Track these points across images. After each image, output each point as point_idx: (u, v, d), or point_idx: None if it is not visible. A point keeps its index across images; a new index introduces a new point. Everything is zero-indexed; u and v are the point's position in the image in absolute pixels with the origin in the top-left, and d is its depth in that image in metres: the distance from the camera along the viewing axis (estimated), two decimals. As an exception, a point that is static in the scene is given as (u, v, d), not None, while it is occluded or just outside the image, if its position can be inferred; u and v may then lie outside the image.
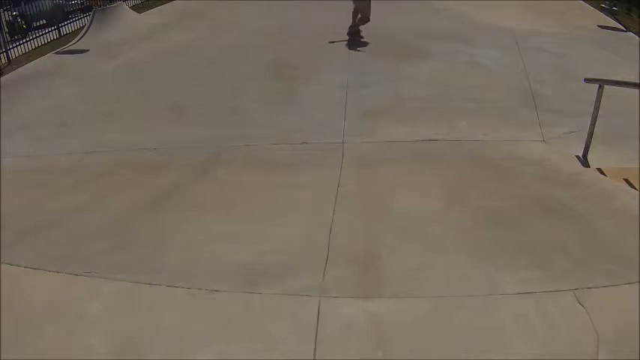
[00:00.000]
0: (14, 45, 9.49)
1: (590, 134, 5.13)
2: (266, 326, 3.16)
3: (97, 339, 3.09)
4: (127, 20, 10.27)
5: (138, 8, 11.77)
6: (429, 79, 7.05)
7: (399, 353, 2.95)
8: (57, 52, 9.29)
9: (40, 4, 12.35)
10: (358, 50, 8.05)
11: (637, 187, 4.49)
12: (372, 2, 8.51)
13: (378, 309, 3.25)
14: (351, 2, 8.60)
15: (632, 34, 8.93)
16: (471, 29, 8.72)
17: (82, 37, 9.92)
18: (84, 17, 11.29)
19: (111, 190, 4.87)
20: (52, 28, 10.56)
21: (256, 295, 3.40)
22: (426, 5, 10.28)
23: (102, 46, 9.21)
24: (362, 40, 8.44)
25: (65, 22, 11.00)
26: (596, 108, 5.11)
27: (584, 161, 5.13)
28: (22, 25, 12.29)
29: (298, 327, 3.14)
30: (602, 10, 10.39)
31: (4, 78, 8.19)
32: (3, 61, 9.08)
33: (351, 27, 8.71)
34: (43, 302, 3.39)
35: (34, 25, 12.29)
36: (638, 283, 3.30)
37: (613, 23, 9.56)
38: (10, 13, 12.26)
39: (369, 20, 8.55)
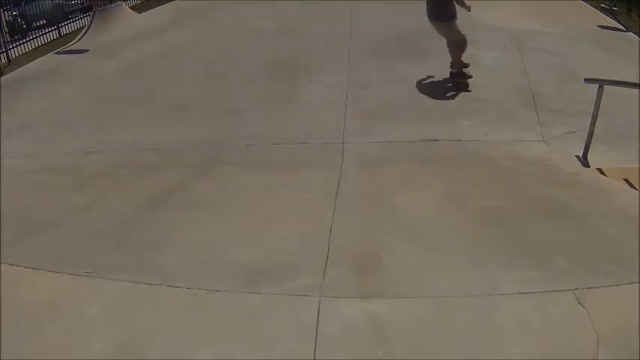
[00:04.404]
0: (14, 45, 9.50)
1: (590, 134, 5.13)
2: (266, 326, 3.16)
3: (97, 339, 3.09)
4: (127, 20, 10.27)
5: (138, 8, 11.77)
6: (428, 78, 7.05)
7: (399, 353, 2.95)
8: (57, 52, 9.29)
9: (40, 4, 12.36)
10: (358, 50, 8.04)
11: (637, 187, 4.49)
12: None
13: (378, 309, 3.25)
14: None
15: (632, 34, 8.92)
16: (471, 29, 8.69)
17: (82, 37, 9.93)
18: (84, 17, 11.29)
19: (111, 190, 4.87)
20: (52, 28, 10.56)
21: (256, 295, 3.40)
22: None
23: (102, 46, 9.21)
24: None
25: (65, 22, 11.00)
26: (596, 108, 5.11)
27: (584, 161, 5.13)
28: (22, 25, 12.29)
29: (298, 327, 3.14)
30: (602, 10, 10.37)
31: (4, 78, 8.20)
32: (3, 61, 9.08)
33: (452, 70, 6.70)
34: (43, 302, 3.39)
35: (34, 25, 12.29)
36: (638, 283, 3.30)
37: (613, 23, 9.55)
38: (10, 13, 12.27)
39: (465, 43, 6.56)
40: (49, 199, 4.78)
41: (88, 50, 9.12)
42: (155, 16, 11.15)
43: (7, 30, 10.24)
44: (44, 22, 12.38)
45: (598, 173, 4.86)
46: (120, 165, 5.39)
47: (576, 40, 8.37)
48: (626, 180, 4.65)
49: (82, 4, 13.37)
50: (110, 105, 6.85)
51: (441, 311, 3.22)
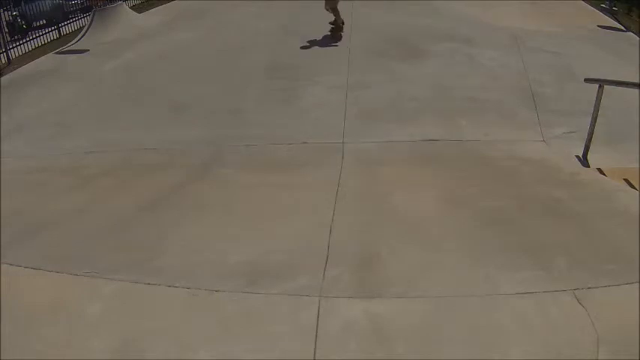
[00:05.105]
0: (14, 45, 9.50)
1: (590, 134, 5.13)
2: (266, 326, 3.16)
3: (97, 339, 3.09)
4: (127, 20, 10.26)
5: (138, 8, 11.76)
6: (429, 79, 7.05)
7: (399, 353, 2.95)
8: (57, 52, 9.29)
9: (40, 4, 12.36)
10: (358, 50, 8.05)
11: (637, 187, 4.49)
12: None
13: (377, 309, 3.25)
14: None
15: (632, 34, 8.92)
16: (471, 29, 8.71)
17: (82, 37, 9.92)
18: (84, 17, 11.28)
19: (111, 190, 4.87)
20: (52, 28, 10.56)
21: (256, 295, 3.41)
22: (425, 5, 10.27)
23: (102, 46, 9.21)
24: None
25: (65, 22, 11.00)
26: (596, 108, 5.11)
27: (584, 161, 5.13)
28: (22, 25, 12.29)
29: (298, 327, 3.14)
30: (602, 10, 10.38)
31: (4, 78, 8.20)
32: (3, 61, 9.08)
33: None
34: (43, 302, 3.39)
35: (34, 25, 12.30)
36: (638, 283, 3.30)
37: (613, 23, 9.55)
38: (10, 13, 12.27)
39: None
40: (50, 199, 4.78)
41: (88, 50, 9.12)
42: (155, 16, 11.14)
43: (7, 30, 10.23)
44: (44, 22, 12.38)
45: (598, 173, 4.86)
46: (120, 165, 5.39)
47: (576, 40, 8.37)
48: (626, 180, 4.65)
49: (82, 4, 13.35)
50: (110, 105, 6.85)
51: (441, 311, 3.22)
